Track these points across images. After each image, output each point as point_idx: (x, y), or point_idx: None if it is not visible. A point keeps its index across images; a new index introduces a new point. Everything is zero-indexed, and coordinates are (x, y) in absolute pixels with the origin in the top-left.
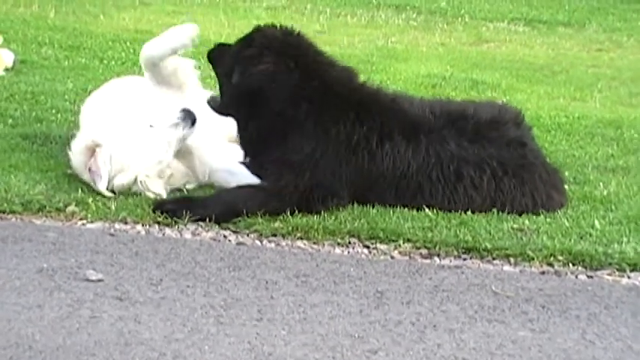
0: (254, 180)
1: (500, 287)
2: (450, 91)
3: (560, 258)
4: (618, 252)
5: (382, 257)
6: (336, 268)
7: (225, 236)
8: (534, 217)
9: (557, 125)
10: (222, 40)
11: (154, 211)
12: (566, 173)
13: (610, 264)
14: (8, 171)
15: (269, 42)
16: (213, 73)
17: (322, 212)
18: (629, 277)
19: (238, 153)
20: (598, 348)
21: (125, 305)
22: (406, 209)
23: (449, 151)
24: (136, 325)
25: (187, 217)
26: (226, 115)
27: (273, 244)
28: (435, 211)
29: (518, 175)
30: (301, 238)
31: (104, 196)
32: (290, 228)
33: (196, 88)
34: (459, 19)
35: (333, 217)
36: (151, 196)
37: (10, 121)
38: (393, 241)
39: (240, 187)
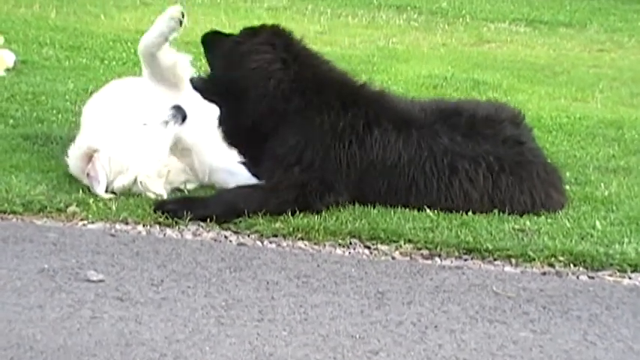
0: (253, 180)
1: (502, 288)
2: (451, 91)
3: (561, 259)
4: (619, 253)
5: (383, 258)
6: (337, 268)
7: (226, 237)
8: (535, 217)
9: (558, 126)
10: None
11: (154, 212)
12: (568, 174)
13: (611, 265)
14: (9, 171)
15: (268, 38)
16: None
17: (323, 213)
18: (630, 278)
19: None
20: (599, 349)
21: (126, 306)
22: (407, 210)
23: (442, 145)
24: (136, 326)
25: (188, 217)
26: (210, 100)
27: (274, 245)
28: (436, 211)
29: (516, 173)
30: (302, 239)
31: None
32: (291, 229)
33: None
34: (460, 19)
35: (334, 218)
36: (152, 196)
37: (11, 121)
38: (394, 241)
39: (240, 187)
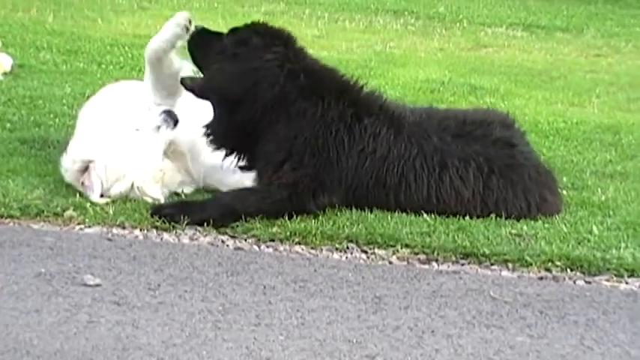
0: (246, 178)
1: (499, 292)
2: (448, 96)
3: (558, 263)
4: (616, 257)
5: (380, 262)
6: (334, 273)
7: (223, 241)
8: (532, 222)
9: (555, 131)
10: None
11: (151, 216)
12: (565, 179)
13: (608, 269)
14: (6, 175)
15: (266, 37)
16: None
17: (320, 217)
18: (627, 283)
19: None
20: (596, 353)
21: (123, 310)
22: (404, 214)
23: (431, 144)
24: (133, 330)
25: (185, 221)
26: (203, 98)
27: (271, 249)
28: (433, 216)
29: (507, 175)
30: (299, 243)
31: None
32: (288, 233)
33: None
34: (458, 24)
35: (331, 222)
36: (149, 200)
37: (8, 125)
38: (391, 246)
39: (236, 190)
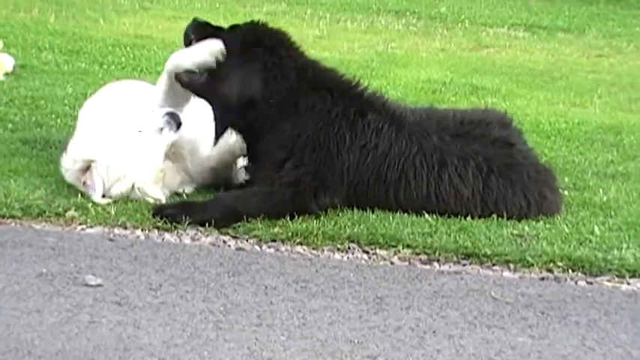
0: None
1: (500, 293)
2: (450, 96)
3: (559, 264)
4: (618, 258)
5: (382, 263)
6: (335, 273)
7: (224, 241)
8: (534, 222)
9: (556, 131)
10: None
11: (153, 216)
12: (566, 179)
13: (609, 270)
14: (8, 176)
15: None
16: None
17: (322, 217)
18: (628, 284)
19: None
20: (598, 354)
21: (124, 310)
22: (405, 215)
23: (431, 143)
24: (135, 330)
25: (187, 221)
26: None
27: (272, 250)
28: (434, 216)
29: (506, 174)
30: (301, 244)
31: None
32: (289, 233)
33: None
34: (459, 24)
35: (333, 223)
36: (151, 200)
37: (10, 125)
38: (393, 246)
39: (238, 191)
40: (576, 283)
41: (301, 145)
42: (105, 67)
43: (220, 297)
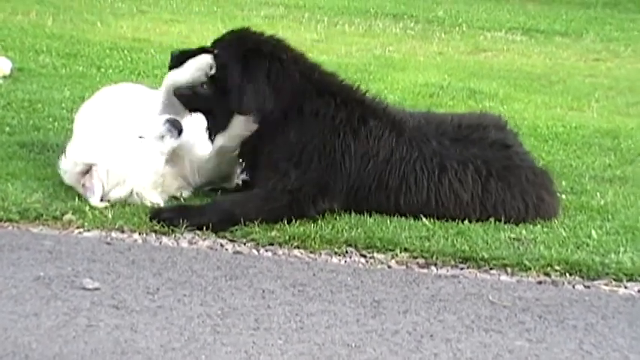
0: None
1: (497, 297)
2: (447, 100)
3: (557, 268)
4: (615, 262)
5: (379, 266)
6: (333, 277)
7: (222, 245)
8: (531, 226)
9: (554, 135)
10: None
11: (150, 220)
12: (564, 183)
13: (607, 274)
14: (5, 179)
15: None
16: None
17: (319, 221)
18: (625, 287)
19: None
20: (595, 358)
21: (122, 314)
22: (403, 218)
23: (431, 148)
24: (132, 334)
25: (184, 225)
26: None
27: (270, 253)
28: (432, 220)
29: (504, 177)
30: (298, 247)
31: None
32: (287, 237)
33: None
34: (457, 28)
35: (330, 226)
36: (148, 204)
37: (7, 129)
38: (390, 250)
39: (235, 195)
40: (574, 286)
41: (306, 152)
42: (102, 70)
43: (218, 300)
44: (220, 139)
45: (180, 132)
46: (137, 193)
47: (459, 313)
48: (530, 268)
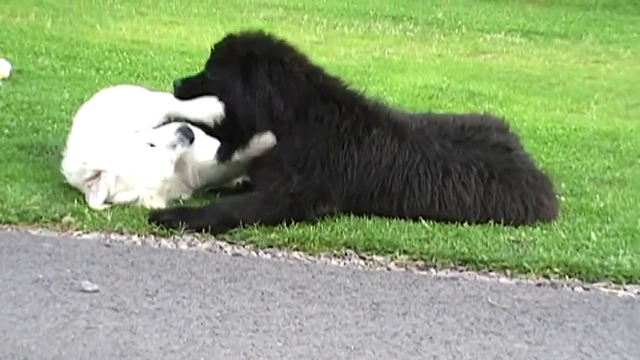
0: None
1: (497, 299)
2: (446, 102)
3: (556, 270)
4: (614, 264)
5: (378, 269)
6: (332, 279)
7: (221, 247)
8: (530, 228)
9: (553, 137)
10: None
11: (149, 222)
12: (563, 185)
13: (606, 276)
14: (4, 181)
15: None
16: None
17: (318, 223)
18: (625, 290)
19: None
20: None
21: (121, 316)
22: (402, 221)
23: (434, 150)
24: (131, 336)
25: (183, 227)
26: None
27: (269, 256)
28: (431, 222)
29: (505, 180)
30: (297, 250)
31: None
32: (286, 239)
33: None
34: (456, 30)
35: (329, 229)
36: (148, 206)
37: (6, 131)
38: (390, 252)
39: (235, 197)
40: (573, 289)
41: (310, 158)
42: (101, 72)
43: (217, 303)
44: (236, 156)
45: (192, 141)
46: (143, 199)
47: (458, 316)
48: (529, 271)
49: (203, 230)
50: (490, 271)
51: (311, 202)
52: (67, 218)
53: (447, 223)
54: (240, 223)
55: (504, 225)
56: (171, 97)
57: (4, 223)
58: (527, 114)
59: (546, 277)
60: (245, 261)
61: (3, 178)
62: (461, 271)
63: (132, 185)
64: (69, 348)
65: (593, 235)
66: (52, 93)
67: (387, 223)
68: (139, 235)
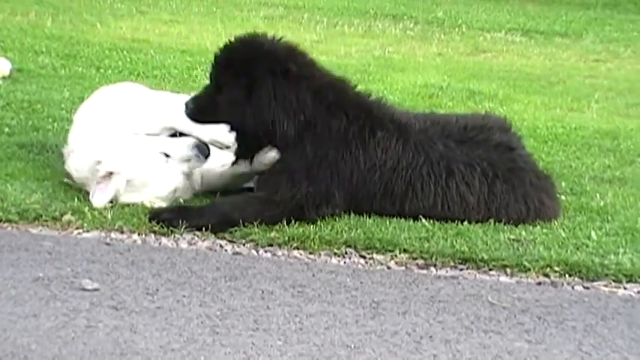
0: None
1: (497, 298)
2: (447, 101)
3: (556, 269)
4: (614, 263)
5: (378, 267)
6: (332, 278)
7: (221, 246)
8: (531, 227)
9: (554, 136)
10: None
11: (150, 221)
12: (563, 184)
13: (606, 275)
14: (5, 180)
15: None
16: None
17: (318, 222)
18: (625, 289)
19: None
20: (594, 359)
21: (121, 315)
22: (403, 219)
23: (437, 150)
24: (131, 335)
25: (183, 226)
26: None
27: (269, 254)
28: (431, 221)
29: (509, 180)
30: (297, 248)
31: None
32: (286, 238)
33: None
34: (457, 29)
35: (330, 227)
36: (148, 205)
37: (6, 129)
38: (390, 251)
39: (236, 197)
40: (573, 288)
41: (320, 168)
42: (102, 71)
43: (217, 301)
44: (248, 166)
45: (207, 157)
46: (149, 202)
47: (458, 314)
48: (529, 269)
49: (203, 229)
50: (490, 269)
51: (314, 204)
52: (67, 217)
53: (447, 222)
54: (240, 222)
55: (505, 224)
56: (181, 112)
57: (4, 222)
58: (528, 113)
59: (546, 275)
60: (245, 260)
61: (3, 177)
62: (461, 269)
63: (141, 190)
64: (69, 347)
65: (593, 233)
66: (53, 92)
67: (387, 222)
68: (139, 234)
